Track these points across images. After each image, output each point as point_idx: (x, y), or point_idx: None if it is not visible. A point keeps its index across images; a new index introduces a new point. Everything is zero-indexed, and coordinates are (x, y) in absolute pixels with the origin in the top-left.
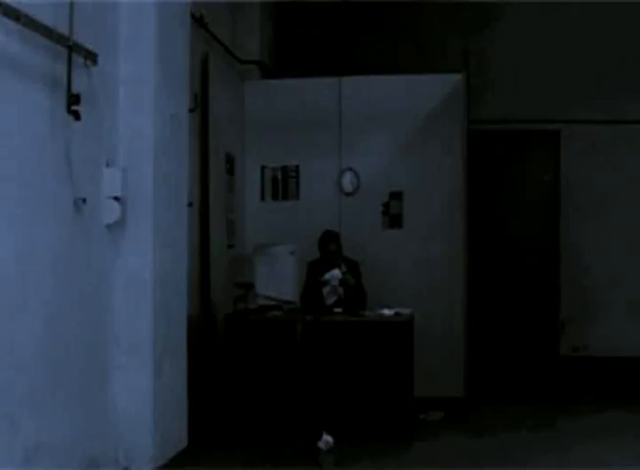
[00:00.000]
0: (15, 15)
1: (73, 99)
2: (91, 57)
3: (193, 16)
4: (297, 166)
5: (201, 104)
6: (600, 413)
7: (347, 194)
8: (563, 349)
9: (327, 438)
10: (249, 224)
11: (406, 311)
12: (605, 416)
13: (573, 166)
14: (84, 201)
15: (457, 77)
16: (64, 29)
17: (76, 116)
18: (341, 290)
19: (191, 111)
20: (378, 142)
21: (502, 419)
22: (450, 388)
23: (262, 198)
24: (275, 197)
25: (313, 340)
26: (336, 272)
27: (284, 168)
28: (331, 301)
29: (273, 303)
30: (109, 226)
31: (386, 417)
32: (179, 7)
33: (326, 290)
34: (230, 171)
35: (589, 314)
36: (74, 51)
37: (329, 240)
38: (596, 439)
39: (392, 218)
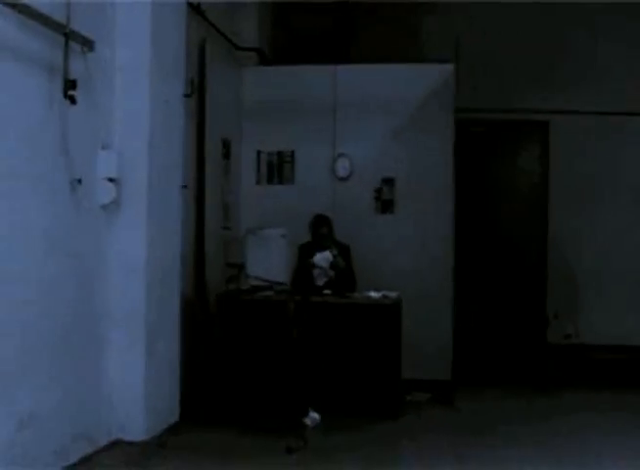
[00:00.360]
0: (12, 2)
1: (70, 84)
2: (87, 44)
3: (190, 3)
4: (293, 152)
5: (198, 89)
6: (576, 393)
7: (341, 179)
8: (554, 336)
9: (314, 415)
10: (244, 207)
11: (393, 294)
12: (582, 396)
13: (563, 157)
14: (80, 181)
15: (448, 67)
16: (61, 17)
17: (72, 100)
18: (331, 272)
19: (187, 95)
20: (371, 129)
21: (485, 400)
22: (437, 371)
23: (258, 182)
24: (270, 181)
25: (303, 320)
26: (326, 254)
27: (279, 153)
28: (321, 282)
29: (264, 283)
30: (104, 207)
31: (372, 397)
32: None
33: (316, 271)
34: (226, 156)
35: (580, 303)
36: (71, 38)
37: (320, 224)
38: (570, 413)
39: (384, 204)
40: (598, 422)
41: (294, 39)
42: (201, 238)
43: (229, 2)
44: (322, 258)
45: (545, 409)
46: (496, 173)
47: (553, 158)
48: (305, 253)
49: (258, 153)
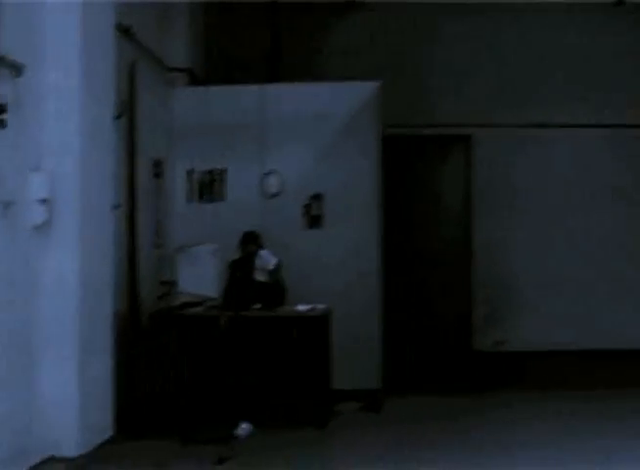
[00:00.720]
0: None
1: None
2: (17, 68)
3: (120, 26)
4: (223, 170)
5: (128, 110)
6: (500, 397)
7: (271, 196)
8: (484, 344)
9: (245, 426)
10: (177, 225)
11: (321, 307)
12: (505, 398)
13: (485, 169)
14: (11, 204)
15: (373, 85)
16: None
17: (2, 124)
18: (273, 263)
19: (118, 117)
20: (300, 146)
21: (412, 406)
22: (368, 381)
23: (189, 200)
24: (202, 199)
25: (234, 334)
26: (269, 257)
27: (210, 172)
28: (262, 277)
29: (195, 299)
30: (36, 228)
31: (302, 407)
32: (104, 19)
33: (258, 263)
34: (158, 175)
35: (509, 311)
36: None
37: (248, 241)
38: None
39: (313, 219)
40: (518, 422)
41: (224, 60)
42: (133, 256)
43: (159, 24)
44: (268, 253)
45: (466, 412)
46: (422, 186)
47: (476, 170)
48: (235, 268)
49: (190, 171)
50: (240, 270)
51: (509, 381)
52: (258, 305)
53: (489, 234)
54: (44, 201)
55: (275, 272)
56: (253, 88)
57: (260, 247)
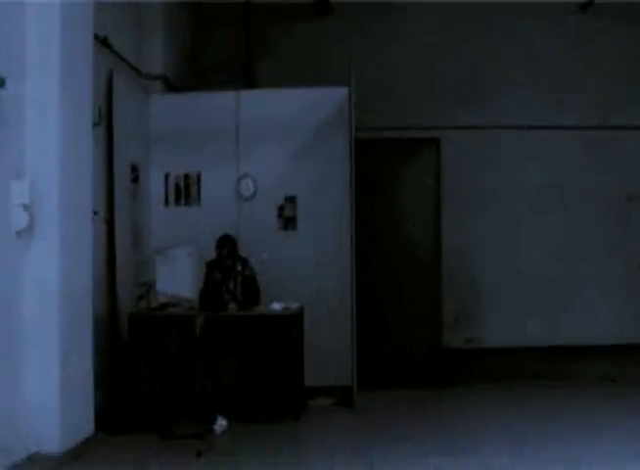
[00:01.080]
0: None
1: None
2: None
3: (97, 37)
4: (199, 174)
5: (106, 117)
6: (470, 391)
7: (246, 198)
8: (454, 342)
9: (221, 421)
10: (154, 229)
11: (295, 306)
12: (474, 393)
13: (453, 171)
14: None
15: (344, 90)
16: None
17: None
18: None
19: (96, 124)
20: (274, 150)
21: (383, 401)
22: (341, 377)
23: (166, 204)
24: (178, 203)
25: (211, 334)
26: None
27: (186, 176)
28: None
29: (173, 300)
30: (18, 233)
31: (276, 403)
32: (83, 30)
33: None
34: (135, 180)
35: (480, 309)
36: None
37: (222, 245)
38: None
39: (287, 221)
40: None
41: (199, 67)
42: (112, 259)
43: (135, 34)
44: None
45: (432, 403)
46: (392, 189)
47: (445, 172)
48: (211, 269)
49: (166, 176)
50: (216, 272)
51: (477, 376)
52: (234, 306)
53: (459, 235)
54: (26, 207)
55: (249, 274)
56: (227, 94)
57: (235, 249)
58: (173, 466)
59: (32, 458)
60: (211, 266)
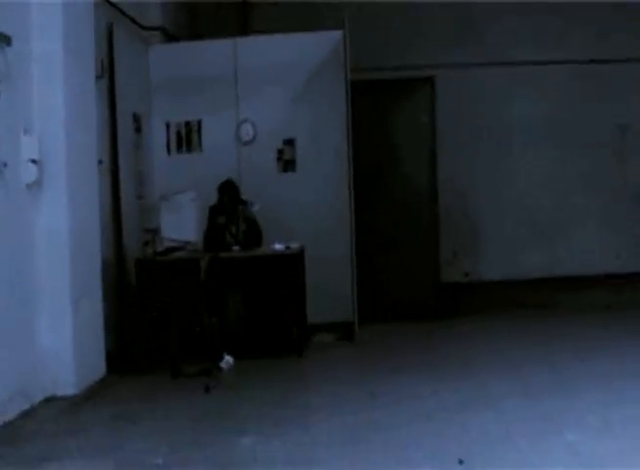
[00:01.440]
0: None
1: None
2: (5, 39)
3: None
4: (199, 121)
5: (108, 70)
6: (465, 323)
7: (245, 143)
8: (454, 275)
9: (228, 358)
10: (157, 176)
11: (296, 245)
12: (470, 325)
13: (448, 108)
14: (5, 164)
15: (338, 34)
16: None
17: None
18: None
19: (98, 77)
20: (272, 95)
21: (382, 335)
22: (342, 314)
23: (168, 152)
24: (180, 150)
25: (215, 274)
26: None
27: (187, 124)
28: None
29: (177, 244)
30: (28, 186)
31: (280, 339)
32: None
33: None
34: (138, 130)
35: (478, 242)
36: None
37: (223, 191)
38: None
39: (286, 163)
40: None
41: (196, 16)
42: (117, 207)
43: None
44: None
45: (428, 334)
46: (389, 127)
47: (440, 109)
48: (214, 213)
49: (167, 125)
50: (219, 216)
51: (475, 308)
52: (237, 247)
53: (453, 171)
54: (34, 161)
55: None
56: (224, 42)
57: (236, 193)
58: (183, 401)
59: (49, 400)
60: (214, 211)
